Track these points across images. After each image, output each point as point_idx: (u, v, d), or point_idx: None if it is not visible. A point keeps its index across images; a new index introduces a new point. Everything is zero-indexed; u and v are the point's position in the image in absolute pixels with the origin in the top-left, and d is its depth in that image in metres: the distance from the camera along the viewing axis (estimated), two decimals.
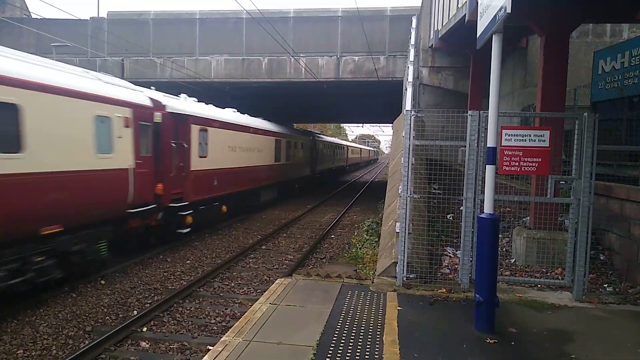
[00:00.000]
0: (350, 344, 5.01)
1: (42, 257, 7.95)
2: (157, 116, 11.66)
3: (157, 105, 11.87)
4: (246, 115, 19.21)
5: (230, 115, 16.91)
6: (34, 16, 24.21)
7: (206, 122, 14.32)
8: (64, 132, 8.40)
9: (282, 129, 23.85)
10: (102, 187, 9.48)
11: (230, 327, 6.03)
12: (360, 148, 70.65)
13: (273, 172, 21.75)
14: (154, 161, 11.62)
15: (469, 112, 6.82)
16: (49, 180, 8.02)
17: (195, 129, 13.51)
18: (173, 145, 12.36)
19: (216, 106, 16.22)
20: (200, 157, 13.90)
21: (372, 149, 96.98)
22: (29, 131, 7.55)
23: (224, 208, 15.73)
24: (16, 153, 7.38)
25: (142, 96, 11.47)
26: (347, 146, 52.46)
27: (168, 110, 12.14)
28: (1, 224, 7.17)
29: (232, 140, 16.55)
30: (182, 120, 12.85)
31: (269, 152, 21.25)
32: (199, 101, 14.99)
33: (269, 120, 22.14)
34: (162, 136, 11.95)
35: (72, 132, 8.62)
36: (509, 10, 4.54)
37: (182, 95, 14.40)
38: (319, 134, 36.47)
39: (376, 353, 4.81)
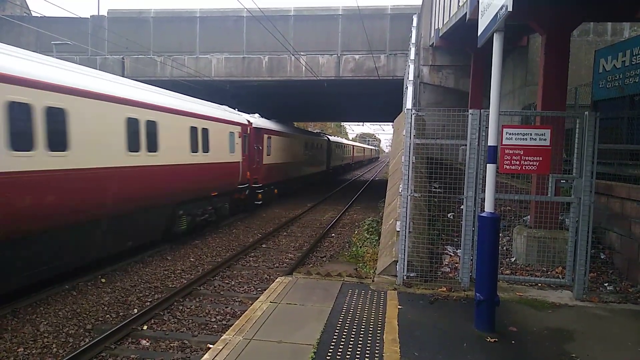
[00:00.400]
0: (351, 343, 5.01)
1: (210, 208, 14.67)
2: (249, 130, 18.21)
3: (249, 123, 18.36)
4: (286, 124, 26.39)
5: (279, 126, 23.50)
6: (34, 14, 24.19)
7: (270, 132, 21.35)
8: (221, 142, 15.30)
9: (310, 134, 33.34)
10: (230, 172, 16.23)
11: (230, 326, 6.03)
12: (364, 147, 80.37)
13: (305, 166, 29.62)
14: (248, 158, 17.96)
15: (470, 110, 6.81)
16: (216, 167, 14.82)
17: (265, 137, 20.44)
18: (255, 147, 18.91)
19: (266, 118, 22.08)
20: (267, 155, 20.72)
21: (374, 147, 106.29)
22: (211, 141, 14.42)
23: (275, 190, 22.46)
24: (205, 153, 13.95)
25: (243, 118, 18.07)
26: (353, 146, 60.90)
27: (253, 126, 18.78)
28: (203, 187, 14.01)
29: (283, 144, 23.60)
30: (259, 132, 19.54)
31: (303, 152, 28.81)
32: (250, 113, 19.99)
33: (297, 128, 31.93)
34: (250, 142, 18.38)
35: (223, 141, 15.43)
36: (510, 8, 4.53)
37: (256, 114, 20.51)
38: (323, 134, 42.15)
39: (377, 351, 4.81)
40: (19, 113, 7.51)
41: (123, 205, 10.17)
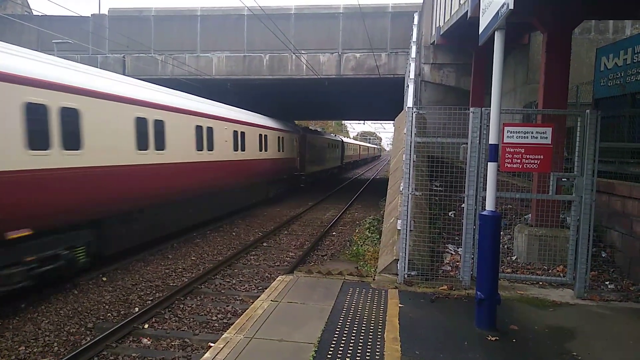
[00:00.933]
0: (352, 341, 5.01)
1: (284, 184, 24.51)
2: (298, 136, 27.40)
3: (300, 132, 27.85)
4: (317, 132, 37.77)
5: (314, 134, 33.06)
6: (35, 13, 24.20)
7: (310, 138, 30.24)
8: (291, 146, 25.39)
9: (330, 137, 42.34)
10: (294, 165, 25.92)
11: (231, 324, 6.04)
12: (368, 146, 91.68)
13: (328, 162, 39.62)
14: (300, 155, 27.64)
15: (471, 109, 6.80)
16: (287, 160, 24.48)
17: (307, 141, 29.47)
18: (303, 148, 28.11)
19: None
20: (308, 154, 29.65)
21: (376, 146, 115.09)
22: (285, 145, 24.26)
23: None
24: (281, 152, 23.36)
25: (297, 129, 27.51)
26: (359, 145, 71.96)
27: (301, 133, 28.10)
28: (280, 173, 23.30)
29: (317, 145, 33.30)
30: (304, 138, 28.53)
31: (327, 151, 38.63)
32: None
33: (322, 132, 43.93)
34: (300, 145, 27.35)
35: (291, 145, 25.43)
36: (511, 6, 4.52)
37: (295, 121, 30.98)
38: (337, 136, 51.48)
39: (377, 350, 4.81)
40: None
41: (246, 181, 18.47)
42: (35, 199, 7.82)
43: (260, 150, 19.75)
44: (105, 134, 9.66)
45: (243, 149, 17.55)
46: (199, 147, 13.66)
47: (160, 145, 11.59)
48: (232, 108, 17.18)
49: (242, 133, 17.42)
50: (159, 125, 11.57)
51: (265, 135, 20.45)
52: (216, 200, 15.33)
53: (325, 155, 37.16)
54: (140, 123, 10.79)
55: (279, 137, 22.62)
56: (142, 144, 10.82)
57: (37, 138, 7.86)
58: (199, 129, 13.61)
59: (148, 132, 11.11)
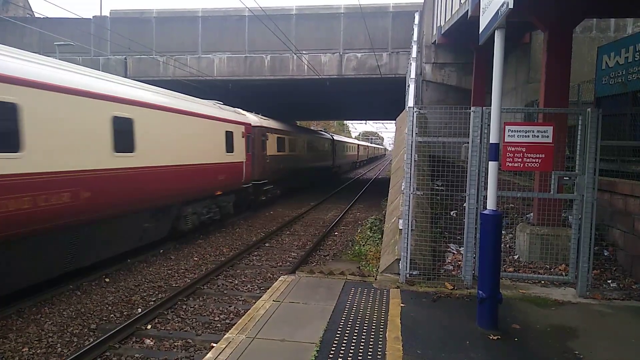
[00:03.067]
0: (354, 341, 5.02)
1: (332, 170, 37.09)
2: (333, 141, 37.87)
3: (332, 138, 38.68)
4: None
5: (341, 137, 41.78)
6: (37, 15, 24.28)
7: (339, 141, 42.16)
8: (325, 148, 35.41)
9: (352, 141, 55.67)
10: (327, 163, 38.01)
11: (234, 325, 6.05)
12: (374, 147, 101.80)
13: (350, 159, 49.33)
14: (333, 156, 37.32)
15: (472, 108, 6.80)
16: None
17: (338, 145, 41.89)
18: (335, 150, 36.78)
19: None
20: (337, 154, 39.72)
21: (381, 146, 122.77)
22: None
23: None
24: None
25: (329, 135, 36.27)
26: (367, 146, 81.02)
27: (335, 138, 40.26)
28: (326, 166, 36.40)
29: (346, 147, 42.83)
30: (337, 143, 40.47)
31: (350, 151, 49.84)
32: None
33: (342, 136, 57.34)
34: (333, 148, 37.31)
35: (325, 148, 35.74)
36: (511, 5, 4.52)
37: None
38: (353, 140, 62.54)
39: (379, 350, 4.82)
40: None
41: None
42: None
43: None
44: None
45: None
46: None
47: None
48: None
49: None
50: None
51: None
52: None
53: (350, 154, 41.32)
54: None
55: (332, 143, 35.10)
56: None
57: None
58: None
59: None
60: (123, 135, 9.80)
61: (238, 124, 16.56)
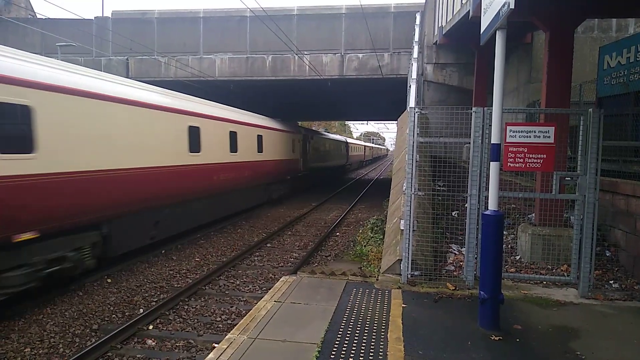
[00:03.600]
0: (355, 342, 5.02)
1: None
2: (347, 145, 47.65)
3: (346, 142, 47.07)
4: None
5: (356, 140, 62.10)
6: (38, 16, 24.32)
7: (353, 144, 53.48)
8: (359, 151, 61.48)
9: (362, 143, 67.20)
10: (360, 160, 64.35)
11: (235, 325, 6.05)
12: (379, 147, 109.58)
13: (361, 158, 61.44)
14: (348, 157, 48.02)
15: (473, 108, 6.79)
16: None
17: (352, 147, 54.12)
18: (348, 152, 47.64)
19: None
20: (351, 153, 52.62)
21: (384, 147, 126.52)
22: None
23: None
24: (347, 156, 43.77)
25: (344, 139, 47.71)
26: (372, 147, 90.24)
27: (348, 142, 48.61)
28: (356, 161, 57.72)
29: (360, 148, 60.18)
30: (347, 145, 47.07)
31: (361, 151, 62.53)
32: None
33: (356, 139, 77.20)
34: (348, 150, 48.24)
35: (359, 151, 61.59)
36: (512, 6, 4.52)
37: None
38: (361, 141, 72.72)
39: (380, 350, 4.82)
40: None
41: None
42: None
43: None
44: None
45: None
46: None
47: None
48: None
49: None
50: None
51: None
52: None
53: (360, 153, 51.44)
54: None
55: (370, 149, 56.62)
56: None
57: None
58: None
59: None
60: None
61: (296, 133, 25.51)
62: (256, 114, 19.52)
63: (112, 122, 9.57)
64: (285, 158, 22.87)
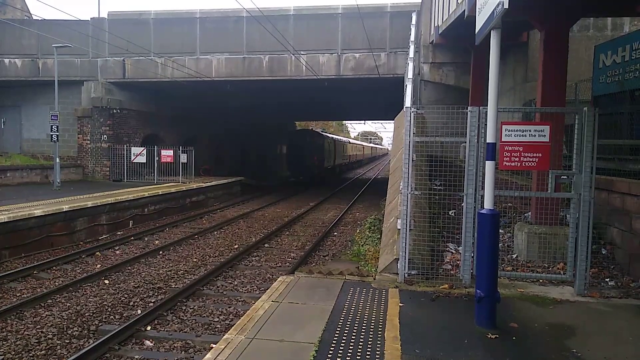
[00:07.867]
0: (352, 341, 5.03)
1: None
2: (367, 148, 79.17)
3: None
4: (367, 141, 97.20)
5: (368, 142, 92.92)
6: (34, 17, 24.27)
7: (360, 146, 73.63)
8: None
9: (366, 144, 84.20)
10: (383, 156, 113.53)
11: (233, 325, 6.06)
12: (377, 147, 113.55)
13: (366, 157, 76.29)
14: (362, 156, 77.93)
15: (469, 108, 6.81)
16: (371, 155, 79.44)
17: (365, 148, 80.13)
18: (359, 153, 71.00)
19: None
20: (355, 152, 64.99)
21: (382, 146, 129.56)
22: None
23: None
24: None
25: (365, 142, 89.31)
26: (372, 147, 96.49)
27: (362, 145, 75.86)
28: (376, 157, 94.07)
29: (363, 148, 74.81)
30: (342, 145, 52.28)
31: (367, 151, 78.57)
32: None
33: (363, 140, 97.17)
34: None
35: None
36: (506, 5, 4.53)
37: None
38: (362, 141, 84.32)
39: (378, 349, 4.83)
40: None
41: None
42: None
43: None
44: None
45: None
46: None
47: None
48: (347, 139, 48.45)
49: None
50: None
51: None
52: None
53: (366, 153, 69.11)
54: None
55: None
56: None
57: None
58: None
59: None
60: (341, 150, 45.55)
61: (334, 140, 44.57)
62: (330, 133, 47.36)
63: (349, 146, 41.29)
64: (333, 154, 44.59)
